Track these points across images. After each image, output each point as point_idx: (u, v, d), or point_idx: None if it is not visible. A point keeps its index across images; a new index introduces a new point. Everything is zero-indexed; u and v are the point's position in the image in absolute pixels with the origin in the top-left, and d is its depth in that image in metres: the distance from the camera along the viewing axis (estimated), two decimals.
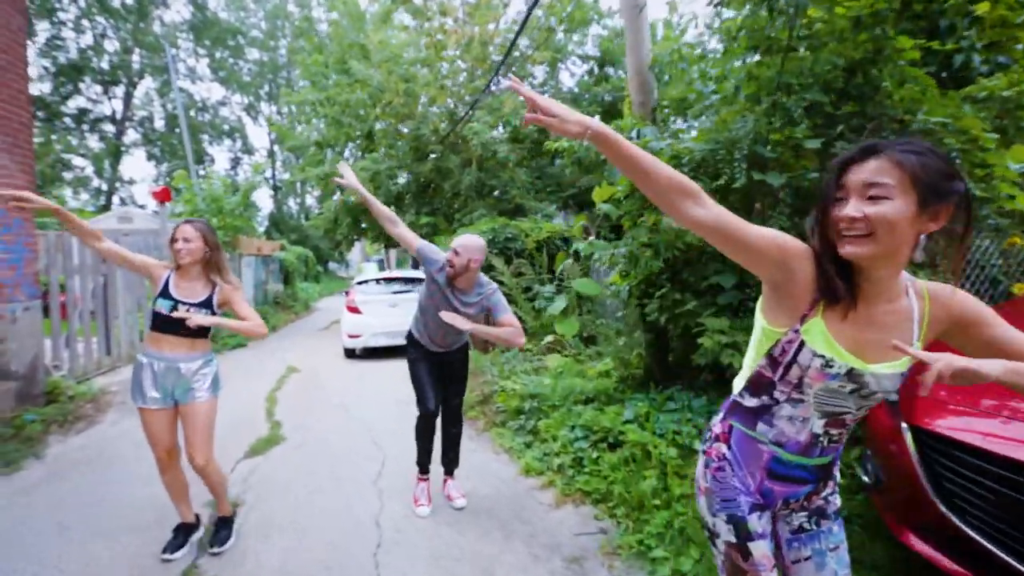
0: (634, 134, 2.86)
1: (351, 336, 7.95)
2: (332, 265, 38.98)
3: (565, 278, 5.65)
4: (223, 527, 2.69)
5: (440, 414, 3.05)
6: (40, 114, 25.63)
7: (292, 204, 39.36)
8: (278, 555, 2.57)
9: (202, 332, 2.51)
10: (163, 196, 8.55)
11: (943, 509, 1.66)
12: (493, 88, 9.58)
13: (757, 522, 1.21)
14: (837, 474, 1.29)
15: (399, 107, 10.23)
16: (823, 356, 1.09)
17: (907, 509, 1.84)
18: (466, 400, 5.09)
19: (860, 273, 1.07)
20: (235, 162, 37.52)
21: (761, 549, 1.19)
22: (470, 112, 8.92)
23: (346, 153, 13.77)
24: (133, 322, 7.70)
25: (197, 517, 2.73)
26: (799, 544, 1.26)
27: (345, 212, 11.81)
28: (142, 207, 27.46)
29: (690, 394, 3.51)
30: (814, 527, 1.26)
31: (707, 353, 2.99)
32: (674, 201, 1.12)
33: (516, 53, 12.20)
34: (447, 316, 2.57)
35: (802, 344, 1.10)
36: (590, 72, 13.67)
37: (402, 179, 11.98)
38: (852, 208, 1.01)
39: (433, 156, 10.73)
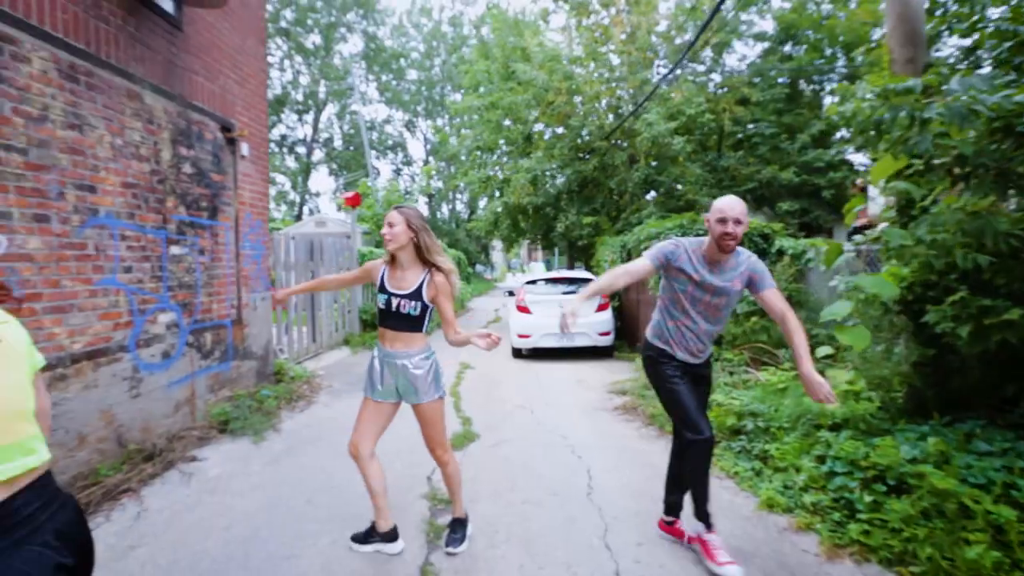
0: (954, 83, 2.15)
1: (521, 336, 7.96)
2: (478, 268, 41.10)
3: (783, 280, 4.89)
4: (459, 528, 2.61)
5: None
6: None
7: (444, 210, 42.30)
8: (511, 567, 2.41)
9: (416, 326, 2.39)
10: (354, 201, 9.51)
11: None
12: (658, 79, 8.96)
13: None
14: None
15: (561, 106, 10.12)
16: None
17: None
18: (659, 413, 4.67)
19: None
20: (396, 172, 41.57)
21: None
22: (643, 104, 8.39)
23: (506, 158, 14.14)
24: (331, 314, 8.65)
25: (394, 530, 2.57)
26: None
27: (505, 214, 12.09)
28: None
29: (1010, 434, 2.64)
30: None
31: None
32: None
33: (679, 40, 11.37)
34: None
35: None
36: (766, 52, 12.22)
37: (560, 179, 11.87)
38: None
39: (593, 154, 10.42)
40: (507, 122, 11.49)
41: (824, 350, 3.46)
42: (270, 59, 31.86)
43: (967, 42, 3.74)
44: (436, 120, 40.00)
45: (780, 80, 11.62)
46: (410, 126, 41.96)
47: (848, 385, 3.56)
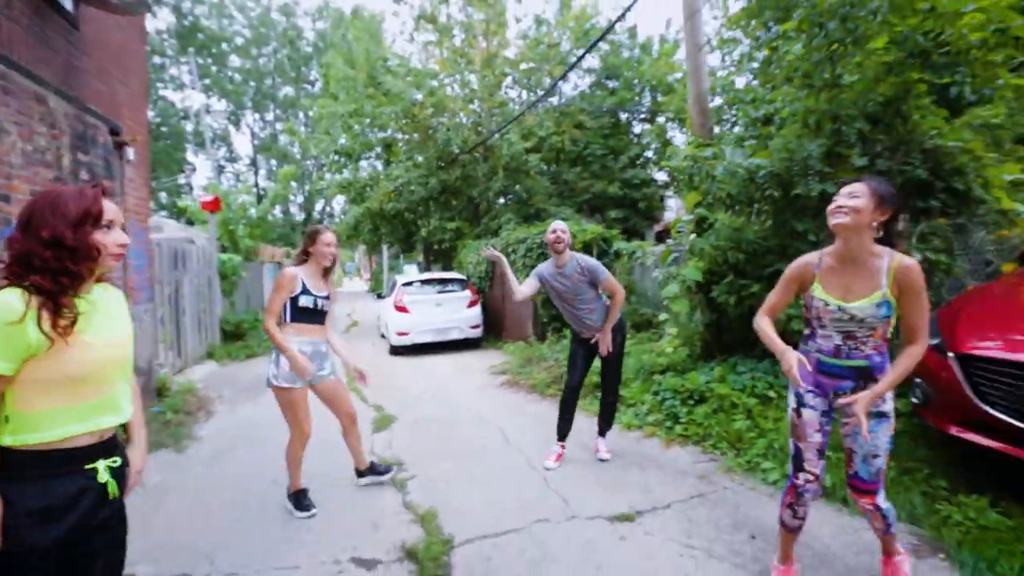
0: (727, 152, 3.69)
1: (400, 334, 8.59)
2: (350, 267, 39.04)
3: (621, 273, 6.48)
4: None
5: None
6: None
7: (277, 212, 39.20)
8: (475, 502, 3.15)
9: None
10: (213, 206, 9.02)
11: (981, 404, 2.53)
12: (513, 102, 10.37)
13: (811, 399, 2.00)
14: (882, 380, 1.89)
15: (425, 119, 10.90)
16: (823, 300, 1.91)
17: (952, 412, 2.71)
18: (542, 380, 5.87)
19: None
20: (219, 170, 37.29)
21: (809, 415, 1.99)
22: (506, 127, 9.64)
23: (359, 161, 14.31)
24: (195, 326, 8.15)
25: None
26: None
27: (367, 219, 12.39)
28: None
29: (753, 360, 4.35)
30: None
31: (776, 324, 3.82)
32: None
33: (525, 65, 13.04)
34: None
35: (813, 296, 1.95)
36: (594, 84, 14.59)
37: (419, 187, 12.58)
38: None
39: (455, 165, 11.43)
40: (371, 131, 11.84)
41: (663, 316, 4.99)
42: None
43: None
44: (265, 115, 37.08)
45: (604, 109, 14.03)
46: (234, 118, 38.04)
47: (670, 343, 5.17)
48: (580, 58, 7.37)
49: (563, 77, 8.61)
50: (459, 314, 8.86)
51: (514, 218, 10.45)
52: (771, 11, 4.61)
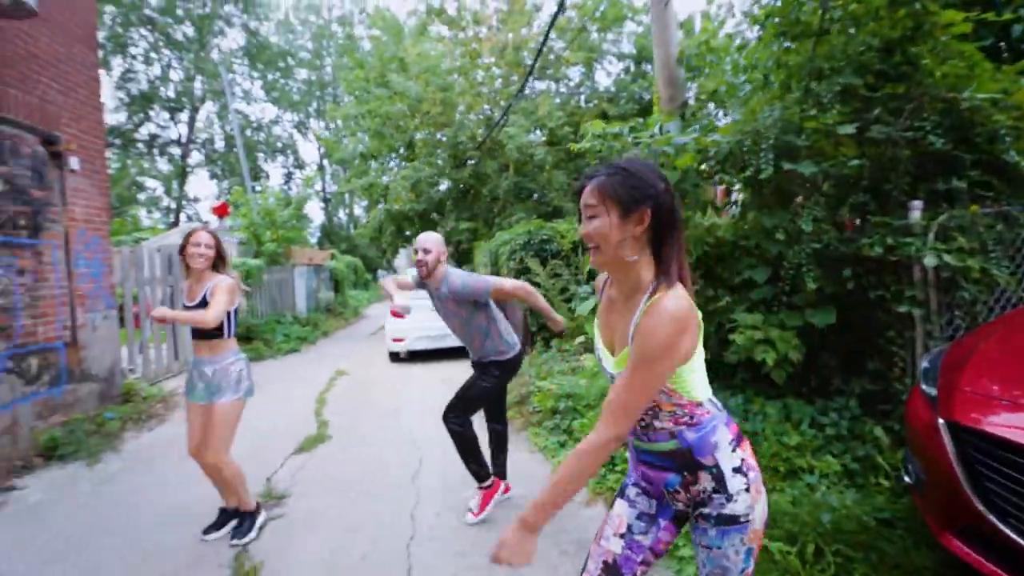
0: (656, 129, 2.84)
1: (395, 340, 8.21)
2: (380, 273, 40.42)
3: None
4: (246, 519, 2.87)
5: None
6: (116, 141, 28.12)
7: (342, 215, 40.94)
8: (326, 546, 2.71)
9: (214, 334, 2.68)
10: (221, 211, 9.17)
11: (982, 508, 1.57)
12: (527, 92, 9.68)
13: (631, 489, 1.34)
14: (717, 472, 1.17)
15: (437, 116, 10.49)
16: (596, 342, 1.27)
17: (947, 510, 1.75)
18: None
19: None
20: (288, 177, 39.53)
21: (619, 508, 1.34)
22: (505, 117, 9.02)
23: (391, 163, 14.22)
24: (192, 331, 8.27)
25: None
26: (695, 533, 1.26)
27: (389, 220, 12.21)
28: (206, 223, 29.41)
29: (726, 393, 3.42)
30: (693, 519, 1.24)
31: (740, 350, 2.92)
32: None
33: (551, 56, 12.26)
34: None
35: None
36: (626, 70, 13.51)
37: (443, 186, 12.24)
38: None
39: (471, 162, 10.94)
40: (388, 131, 11.67)
41: (580, 339, 4.15)
42: (133, 51, 28.87)
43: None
44: (329, 123, 38.82)
45: (641, 96, 12.90)
46: (301, 127, 40.17)
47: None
48: (546, 36, 6.50)
49: (537, 58, 7.77)
50: None
51: (526, 217, 9.75)
52: None
